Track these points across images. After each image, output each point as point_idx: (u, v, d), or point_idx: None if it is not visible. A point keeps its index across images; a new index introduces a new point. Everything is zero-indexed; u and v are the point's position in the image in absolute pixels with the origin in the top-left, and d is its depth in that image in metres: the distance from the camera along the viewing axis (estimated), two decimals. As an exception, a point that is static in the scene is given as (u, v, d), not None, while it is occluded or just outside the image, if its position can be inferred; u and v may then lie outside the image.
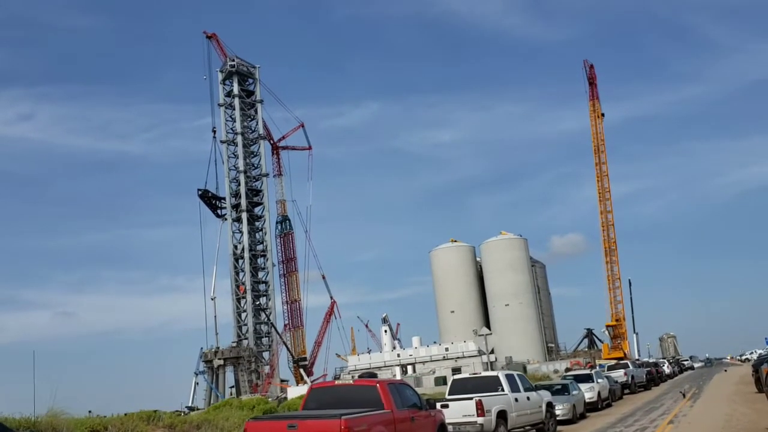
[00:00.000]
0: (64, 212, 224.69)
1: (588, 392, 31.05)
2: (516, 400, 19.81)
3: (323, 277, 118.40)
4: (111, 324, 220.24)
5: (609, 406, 33.85)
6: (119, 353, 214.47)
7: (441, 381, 79.84)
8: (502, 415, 18.70)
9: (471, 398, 18.14)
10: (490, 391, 19.82)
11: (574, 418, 25.86)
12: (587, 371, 38.39)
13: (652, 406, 30.64)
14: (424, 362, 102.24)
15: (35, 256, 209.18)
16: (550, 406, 22.28)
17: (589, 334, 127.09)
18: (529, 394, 21.00)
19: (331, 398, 13.66)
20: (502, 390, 19.75)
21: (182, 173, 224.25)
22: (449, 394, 20.46)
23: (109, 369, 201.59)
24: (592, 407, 31.35)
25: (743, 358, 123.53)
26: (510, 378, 20.54)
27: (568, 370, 75.67)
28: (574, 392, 27.51)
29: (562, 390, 27.36)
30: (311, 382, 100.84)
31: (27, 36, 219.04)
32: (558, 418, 24.68)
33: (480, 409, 17.83)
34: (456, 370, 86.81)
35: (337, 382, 14.01)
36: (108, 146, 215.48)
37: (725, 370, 68.77)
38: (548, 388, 27.31)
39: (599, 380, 33.39)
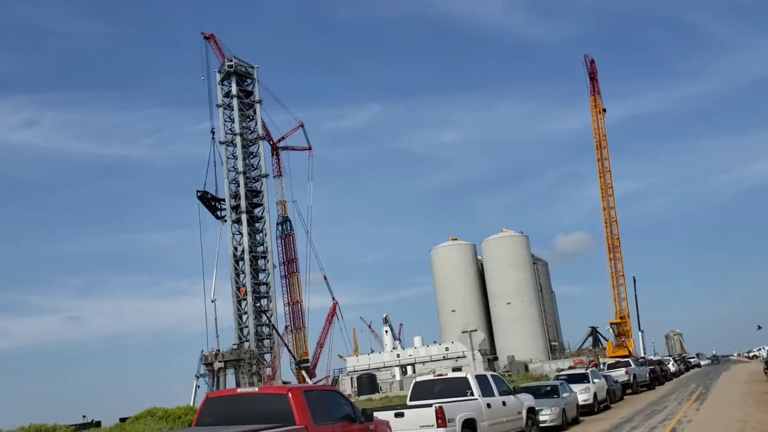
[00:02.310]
0: (69, 217, 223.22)
1: (582, 394, 27.90)
2: (488, 405, 16.66)
3: (325, 278, 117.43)
4: (118, 328, 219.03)
5: (607, 408, 30.70)
6: (126, 357, 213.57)
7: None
8: (469, 425, 15.60)
9: (430, 405, 15.08)
10: (459, 395, 16.81)
11: (563, 424, 22.68)
12: (582, 370, 35.25)
13: (654, 409, 27.58)
14: (423, 362, 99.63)
15: (41, 261, 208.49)
16: (531, 411, 19.15)
17: (594, 332, 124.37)
18: (506, 399, 17.83)
19: (230, 411, 10.66)
20: (472, 394, 16.71)
21: (186, 176, 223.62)
22: (410, 400, 17.41)
23: (115, 373, 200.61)
24: (588, 410, 28.21)
25: (751, 354, 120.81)
26: (482, 380, 17.41)
27: (571, 368, 72.55)
28: (565, 394, 24.26)
29: (551, 392, 24.15)
30: (314, 383, 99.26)
31: (30, 42, 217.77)
32: (545, 425, 21.66)
33: (441, 419, 14.73)
34: (456, 370, 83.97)
35: (238, 390, 10.72)
36: (112, 151, 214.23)
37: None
38: (536, 390, 24.26)
39: (595, 380, 30.19)
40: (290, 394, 10.36)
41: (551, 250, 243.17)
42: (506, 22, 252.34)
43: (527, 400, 19.26)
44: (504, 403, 17.61)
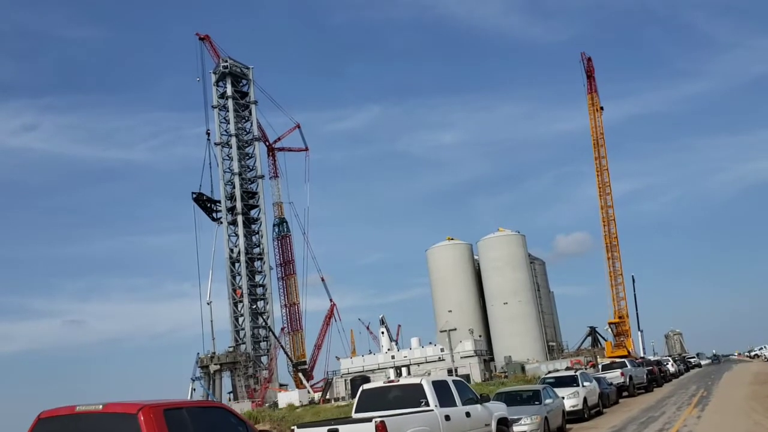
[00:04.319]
0: (70, 221, 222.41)
1: (570, 399, 25.12)
2: (447, 417, 13.90)
3: (323, 280, 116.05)
4: (119, 331, 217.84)
5: (599, 414, 27.89)
6: (125, 360, 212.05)
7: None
8: (421, 442, 12.93)
9: (370, 420, 12.36)
10: (414, 405, 14.09)
11: (545, 435, 19.98)
12: (571, 372, 32.54)
13: (650, 416, 24.80)
14: (419, 363, 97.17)
15: (42, 264, 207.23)
16: (503, 422, 16.34)
17: (592, 332, 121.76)
18: (470, 408, 15.01)
19: (69, 434, 8.07)
20: (427, 404, 13.98)
21: (186, 179, 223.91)
22: (356, 411, 14.70)
23: (114, 376, 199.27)
24: (577, 417, 25.46)
25: (752, 354, 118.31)
26: (440, 387, 14.56)
27: (568, 368, 69.90)
28: (548, 400, 21.42)
29: (531, 398, 21.40)
30: (310, 385, 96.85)
31: (30, 47, 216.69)
32: (524, 436, 18.99)
33: (383, 436, 12.04)
34: (452, 371, 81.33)
35: (78, 408, 7.89)
36: (112, 155, 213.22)
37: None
38: (515, 395, 21.60)
39: (585, 383, 27.37)
40: (141, 416, 7.66)
41: (551, 250, 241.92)
42: (505, 23, 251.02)
43: (498, 409, 16.44)
44: (468, 414, 14.82)
